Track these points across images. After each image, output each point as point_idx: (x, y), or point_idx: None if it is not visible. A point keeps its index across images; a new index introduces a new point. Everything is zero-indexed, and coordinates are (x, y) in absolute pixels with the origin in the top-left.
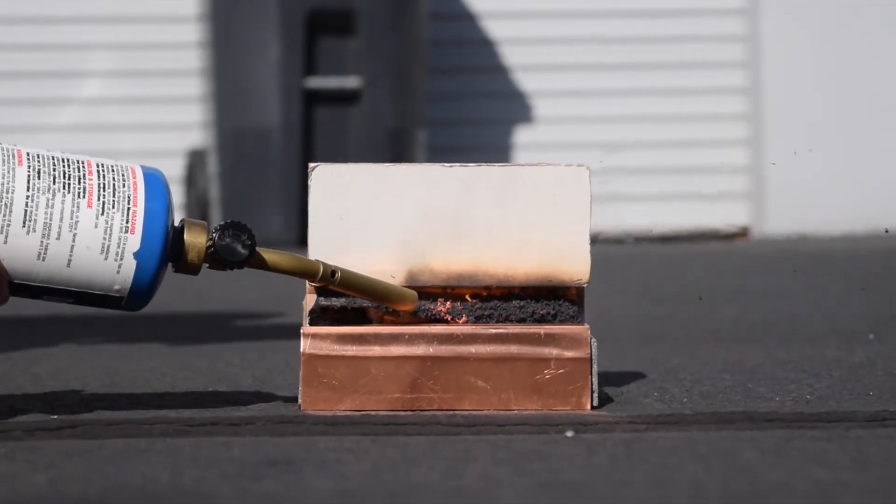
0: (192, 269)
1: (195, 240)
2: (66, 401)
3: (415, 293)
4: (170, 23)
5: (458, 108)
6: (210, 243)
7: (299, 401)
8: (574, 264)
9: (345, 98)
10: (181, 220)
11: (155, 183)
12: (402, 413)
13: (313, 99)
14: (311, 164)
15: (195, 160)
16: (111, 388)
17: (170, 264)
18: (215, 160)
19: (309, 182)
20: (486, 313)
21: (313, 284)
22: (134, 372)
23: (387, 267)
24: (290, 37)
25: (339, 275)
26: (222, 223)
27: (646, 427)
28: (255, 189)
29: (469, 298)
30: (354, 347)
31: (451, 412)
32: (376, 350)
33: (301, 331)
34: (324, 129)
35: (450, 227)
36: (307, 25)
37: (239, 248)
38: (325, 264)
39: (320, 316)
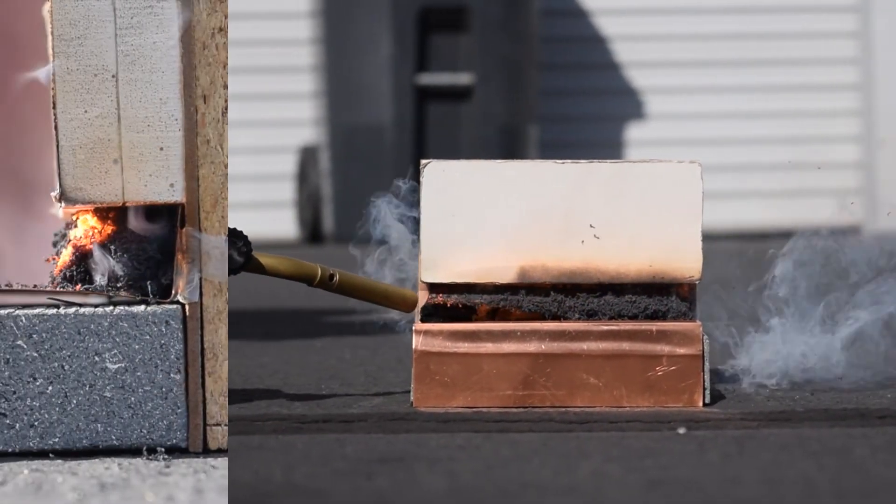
0: None
1: None
2: None
3: (416, 294)
4: (282, 19)
5: (570, 104)
6: None
7: (411, 398)
8: (686, 261)
9: (457, 94)
10: None
11: None
12: (514, 410)
13: (425, 95)
14: (423, 161)
15: (307, 157)
16: None
17: None
18: (327, 157)
19: (421, 179)
20: (598, 309)
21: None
22: (246, 369)
23: (498, 263)
24: (402, 33)
25: (337, 278)
26: None
27: (757, 424)
28: (367, 185)
29: (581, 294)
30: (466, 344)
31: (563, 409)
32: (488, 347)
33: (413, 327)
34: (436, 126)
35: (561, 223)
36: (419, 22)
37: (234, 254)
38: (323, 268)
39: (432, 312)
